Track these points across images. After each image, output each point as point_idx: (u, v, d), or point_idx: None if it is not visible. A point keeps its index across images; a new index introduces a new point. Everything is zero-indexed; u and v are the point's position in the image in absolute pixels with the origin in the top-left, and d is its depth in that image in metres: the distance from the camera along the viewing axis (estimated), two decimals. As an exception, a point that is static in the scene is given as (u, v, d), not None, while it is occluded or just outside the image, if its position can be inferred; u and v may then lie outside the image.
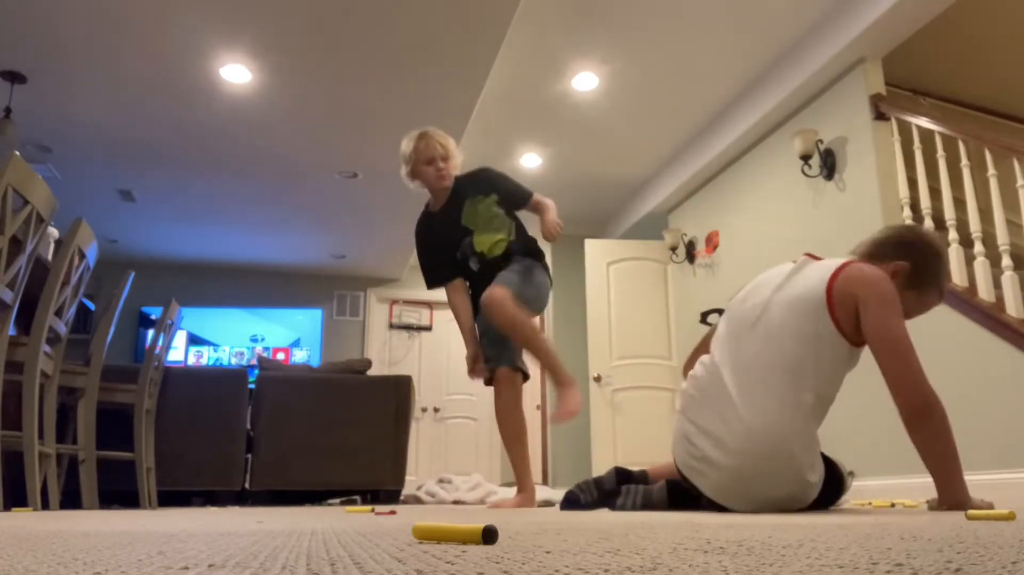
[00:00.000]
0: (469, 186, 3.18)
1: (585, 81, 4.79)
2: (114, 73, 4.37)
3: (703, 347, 2.08)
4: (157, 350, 3.72)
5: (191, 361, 7.80)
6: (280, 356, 7.93)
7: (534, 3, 4.00)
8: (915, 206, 3.99)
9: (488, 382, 3.16)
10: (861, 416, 3.81)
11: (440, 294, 3.32)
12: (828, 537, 0.76)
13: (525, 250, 3.18)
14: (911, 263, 1.88)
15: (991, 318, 3.18)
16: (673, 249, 5.97)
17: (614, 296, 6.29)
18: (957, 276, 3.44)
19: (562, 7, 4.06)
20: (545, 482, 7.63)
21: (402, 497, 4.85)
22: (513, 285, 2.95)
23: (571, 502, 2.11)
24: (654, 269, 6.34)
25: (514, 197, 3.23)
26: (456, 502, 4.79)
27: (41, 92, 4.55)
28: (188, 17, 3.87)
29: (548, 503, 3.52)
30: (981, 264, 3.31)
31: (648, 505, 1.96)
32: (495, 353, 3.07)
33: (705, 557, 0.56)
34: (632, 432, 5.99)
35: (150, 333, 6.46)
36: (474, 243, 3.14)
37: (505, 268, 3.07)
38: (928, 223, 3.67)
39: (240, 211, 6.57)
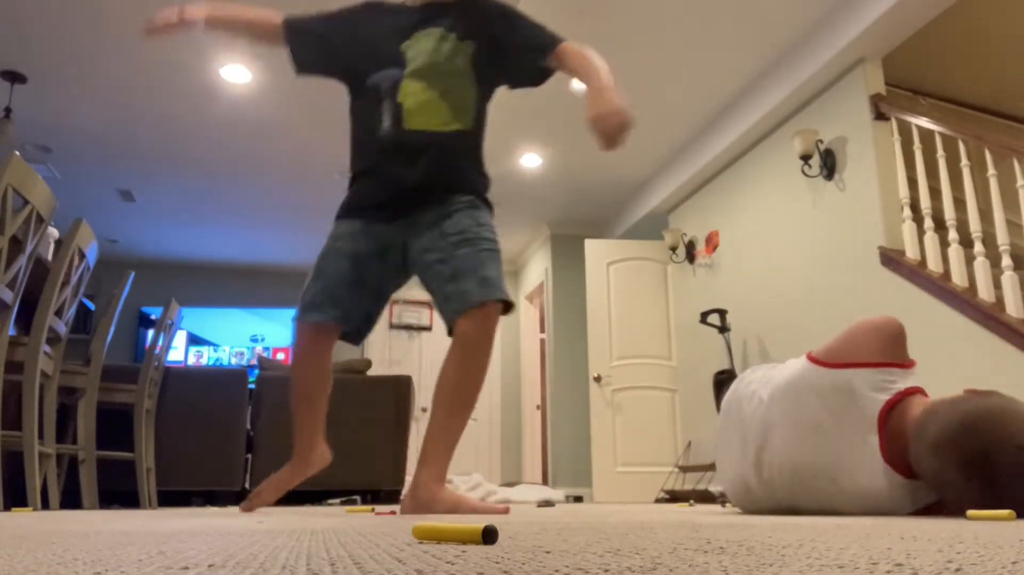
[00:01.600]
0: (454, 9, 2.11)
1: (585, 81, 4.79)
2: (114, 73, 4.37)
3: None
4: (157, 350, 3.72)
5: (191, 361, 7.80)
6: (280, 356, 7.93)
7: (534, 2, 4.00)
8: (915, 206, 3.99)
9: None
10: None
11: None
12: (828, 537, 0.76)
13: (476, 175, 2.12)
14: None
15: (991, 318, 3.18)
16: (673, 249, 5.97)
17: (614, 296, 6.29)
18: (957, 276, 3.44)
19: (561, 7, 4.06)
20: (545, 482, 7.64)
21: (402, 497, 4.85)
22: (493, 282, 1.95)
23: None
24: (654, 269, 6.34)
25: (523, 53, 2.07)
26: (456, 502, 4.78)
27: (41, 92, 4.55)
28: (188, 17, 3.87)
29: (548, 503, 3.52)
30: (981, 264, 3.31)
31: None
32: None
33: (705, 557, 0.56)
34: (632, 432, 5.99)
35: (150, 333, 6.46)
36: (402, 87, 2.02)
37: (453, 214, 2.01)
38: (928, 223, 3.67)
39: (240, 211, 6.57)
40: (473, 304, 1.91)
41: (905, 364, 1.68)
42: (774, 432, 1.73)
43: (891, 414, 1.62)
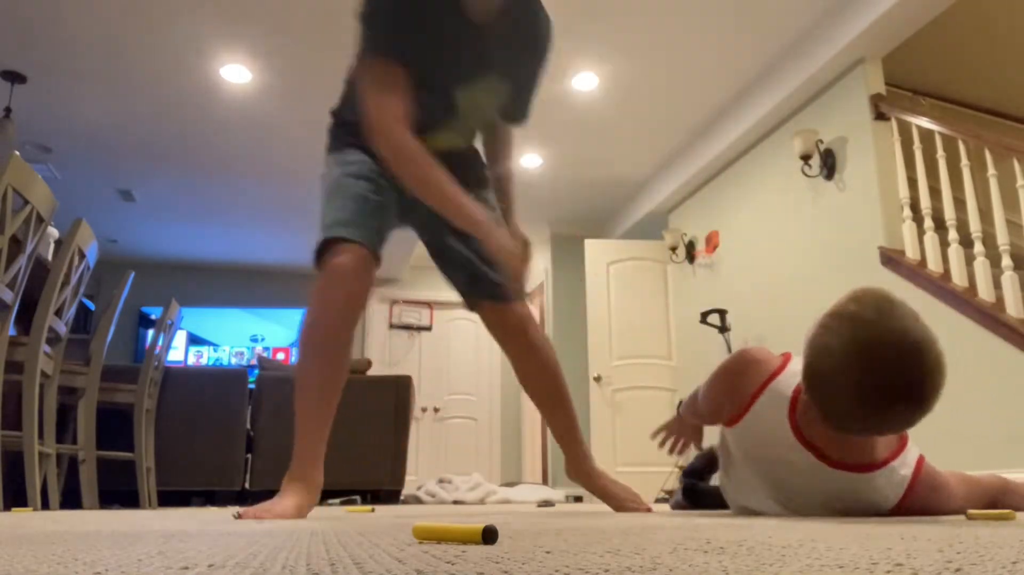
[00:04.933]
0: (513, 35, 1.83)
1: (585, 81, 4.79)
2: (114, 73, 4.37)
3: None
4: (157, 350, 3.72)
5: (191, 361, 7.80)
6: (280, 356, 7.93)
7: (534, 3, 4.00)
8: (915, 206, 4.00)
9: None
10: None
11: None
12: (828, 537, 0.76)
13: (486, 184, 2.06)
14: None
15: (991, 318, 3.18)
16: (673, 249, 5.97)
17: (614, 296, 6.29)
18: (957, 276, 3.44)
19: (562, 7, 4.06)
20: (545, 482, 7.63)
21: (402, 497, 4.85)
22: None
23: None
24: (654, 269, 6.34)
25: (513, 110, 2.00)
26: (456, 502, 4.79)
27: (41, 92, 4.55)
28: (188, 17, 3.87)
29: (548, 503, 3.52)
30: (981, 264, 3.31)
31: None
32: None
33: (705, 557, 0.56)
34: (632, 432, 5.99)
35: (150, 333, 6.46)
36: (461, 96, 1.88)
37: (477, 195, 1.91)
38: (928, 223, 3.67)
39: (240, 211, 6.57)
40: None
41: (776, 372, 1.56)
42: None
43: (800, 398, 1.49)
